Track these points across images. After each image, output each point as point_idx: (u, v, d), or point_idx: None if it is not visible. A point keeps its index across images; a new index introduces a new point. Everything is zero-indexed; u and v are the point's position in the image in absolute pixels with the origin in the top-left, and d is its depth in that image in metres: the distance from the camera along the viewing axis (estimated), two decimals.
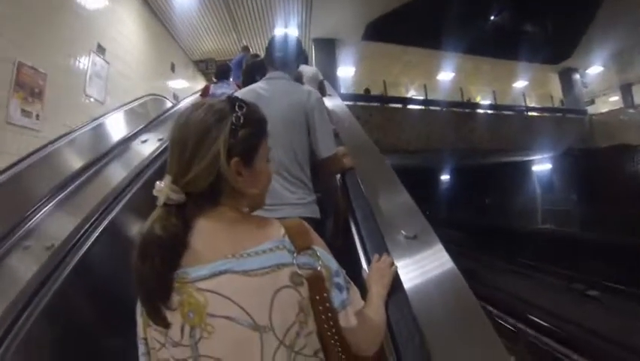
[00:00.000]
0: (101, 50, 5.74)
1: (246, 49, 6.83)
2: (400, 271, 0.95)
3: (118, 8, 6.46)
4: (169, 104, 6.01)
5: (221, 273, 0.60)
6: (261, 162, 0.71)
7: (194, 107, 0.69)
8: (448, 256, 0.99)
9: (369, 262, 1.05)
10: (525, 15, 11.75)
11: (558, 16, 10.94)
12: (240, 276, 0.60)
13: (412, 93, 13.58)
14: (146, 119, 3.83)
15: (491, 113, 11.20)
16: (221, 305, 0.59)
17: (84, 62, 5.32)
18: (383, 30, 9.40)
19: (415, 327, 0.77)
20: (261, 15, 8.73)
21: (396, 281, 0.92)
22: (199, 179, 0.64)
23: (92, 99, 5.46)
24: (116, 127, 3.89)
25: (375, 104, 9.09)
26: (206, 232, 0.65)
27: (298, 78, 2.14)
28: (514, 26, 12.22)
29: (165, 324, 0.62)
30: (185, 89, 9.69)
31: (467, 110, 10.75)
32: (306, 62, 3.50)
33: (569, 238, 10.65)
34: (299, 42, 1.82)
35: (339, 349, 0.66)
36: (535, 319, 6.40)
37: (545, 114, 12.42)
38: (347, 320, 0.66)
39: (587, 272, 8.24)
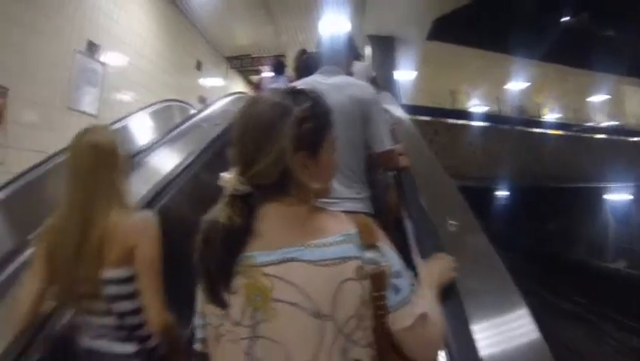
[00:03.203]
0: (92, 48, 4.34)
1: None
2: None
3: None
4: (191, 112, 4.57)
5: (288, 260, 0.60)
6: (326, 154, 0.69)
7: (253, 101, 0.69)
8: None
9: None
10: (608, 19, 10.06)
11: None
12: (308, 265, 0.60)
13: (474, 103, 11.80)
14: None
15: (573, 136, 9.48)
16: (287, 291, 0.59)
17: (68, 67, 3.97)
18: (453, 29, 7.72)
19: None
20: (302, 5, 7.32)
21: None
22: (266, 173, 0.63)
23: (79, 114, 4.11)
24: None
25: (449, 120, 7.47)
26: (273, 219, 0.65)
27: (349, 74, 2.01)
28: (595, 31, 10.53)
29: (223, 305, 0.63)
30: (216, 89, 8.34)
31: (547, 132, 8.98)
32: (357, 58, 3.14)
33: None
34: (349, 37, 1.78)
35: (384, 346, 0.65)
36: None
37: (636, 138, 10.46)
38: (400, 321, 0.64)
39: None
